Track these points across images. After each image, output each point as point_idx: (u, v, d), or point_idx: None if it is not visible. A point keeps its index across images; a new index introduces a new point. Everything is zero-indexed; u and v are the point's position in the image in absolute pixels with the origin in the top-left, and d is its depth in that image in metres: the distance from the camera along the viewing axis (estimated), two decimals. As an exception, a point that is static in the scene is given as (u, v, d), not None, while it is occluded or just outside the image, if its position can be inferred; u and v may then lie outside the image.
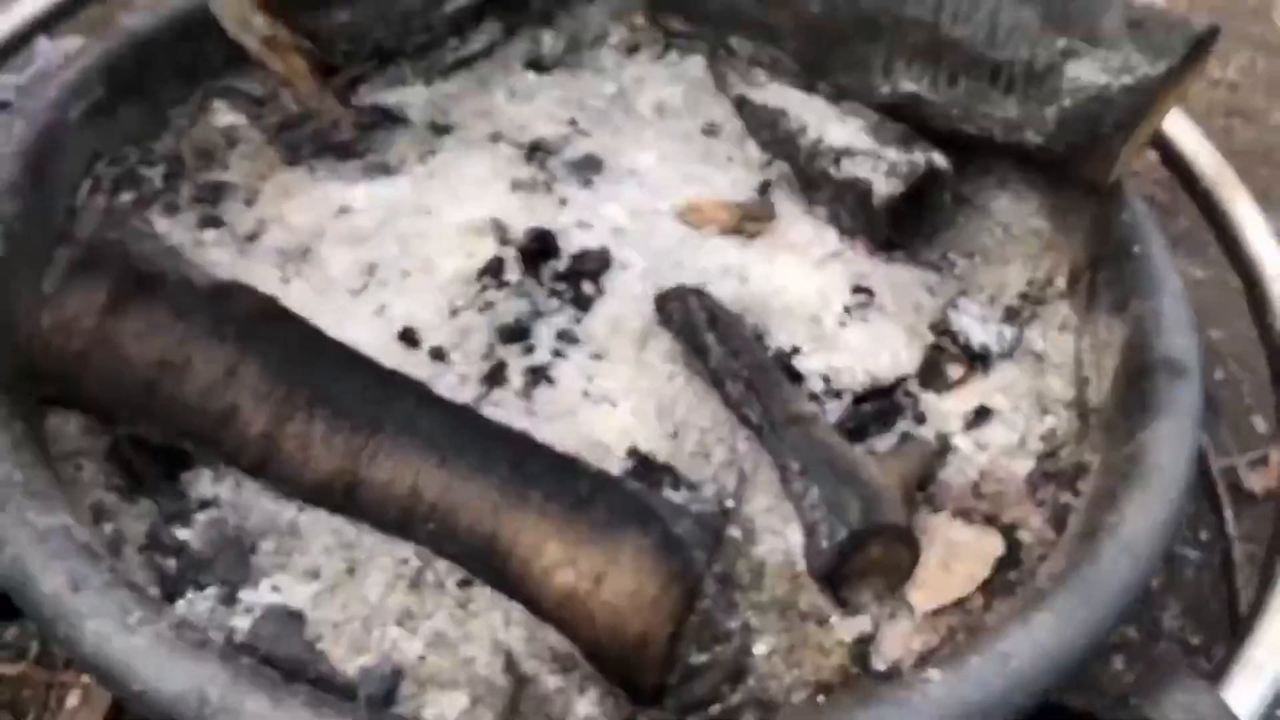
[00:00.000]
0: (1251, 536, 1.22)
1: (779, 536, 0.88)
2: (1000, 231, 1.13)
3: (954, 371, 1.02)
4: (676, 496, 0.87)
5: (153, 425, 0.84)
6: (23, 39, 1.16)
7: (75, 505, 0.81)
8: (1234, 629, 1.12)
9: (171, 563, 0.82)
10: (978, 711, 0.70)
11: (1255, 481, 1.27)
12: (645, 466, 0.89)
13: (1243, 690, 0.75)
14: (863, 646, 0.83)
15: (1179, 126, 1.15)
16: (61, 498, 0.79)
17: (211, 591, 0.81)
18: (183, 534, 0.84)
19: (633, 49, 1.26)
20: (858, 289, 1.04)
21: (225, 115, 1.10)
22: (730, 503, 0.89)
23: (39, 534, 0.74)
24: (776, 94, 1.11)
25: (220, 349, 0.82)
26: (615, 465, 0.88)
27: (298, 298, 0.94)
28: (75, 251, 0.89)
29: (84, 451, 0.87)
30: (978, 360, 1.02)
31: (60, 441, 0.87)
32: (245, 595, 0.81)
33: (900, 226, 1.07)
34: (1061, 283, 1.08)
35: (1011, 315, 1.07)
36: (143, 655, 0.69)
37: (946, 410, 0.99)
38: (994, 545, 0.87)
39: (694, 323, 0.92)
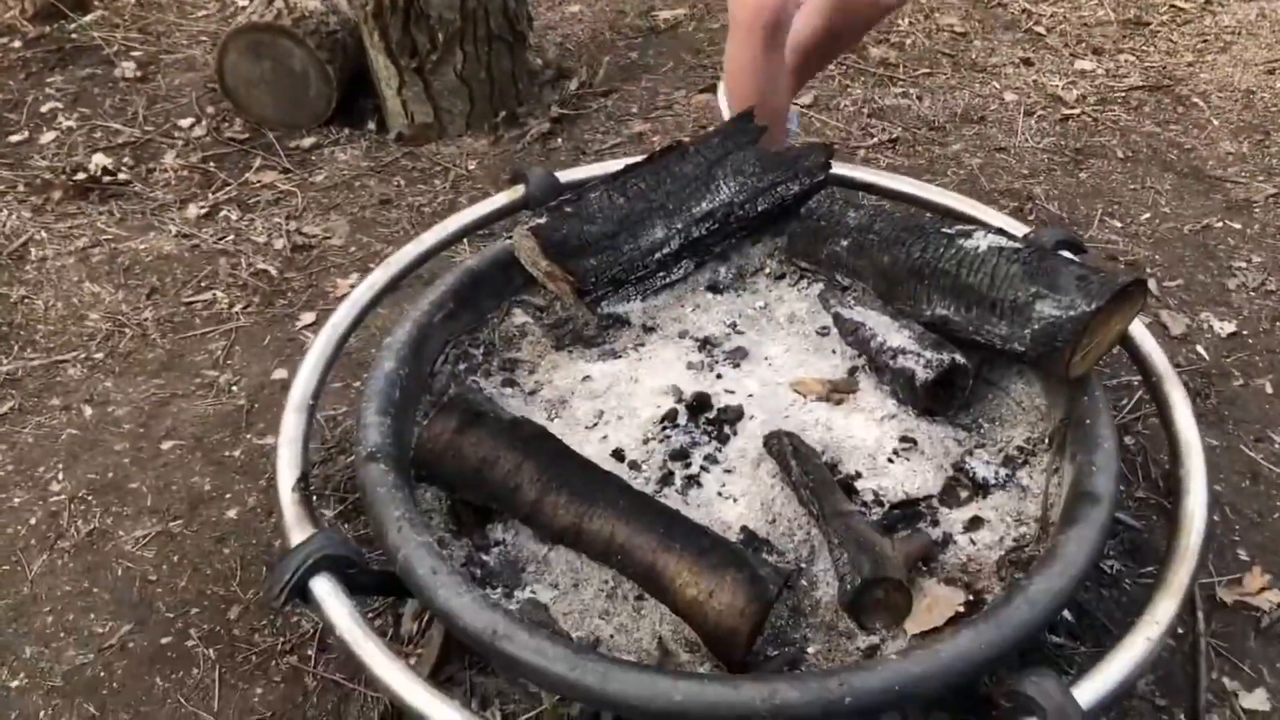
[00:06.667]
0: (1218, 634, 1.68)
1: (830, 585, 1.45)
2: (1014, 404, 1.68)
3: (963, 495, 1.57)
4: (769, 557, 1.47)
5: (474, 494, 1.51)
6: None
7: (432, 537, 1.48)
8: (1194, 697, 1.59)
9: (478, 572, 1.48)
10: (915, 678, 1.24)
11: (1227, 594, 1.72)
12: (751, 538, 1.49)
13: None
14: (873, 652, 1.38)
15: (1145, 338, 1.67)
16: (427, 529, 1.46)
17: (500, 590, 1.46)
18: (485, 558, 1.50)
19: (779, 277, 1.91)
20: (904, 438, 1.62)
21: (520, 317, 1.81)
22: (802, 564, 1.47)
23: (419, 545, 1.40)
24: (859, 312, 1.72)
25: (513, 454, 1.48)
26: (733, 535, 1.49)
27: (557, 428, 1.61)
28: (437, 399, 1.60)
29: (435, 510, 1.56)
30: (981, 489, 1.57)
31: (422, 503, 1.55)
32: (517, 594, 1.45)
33: (937, 398, 1.63)
34: (1046, 441, 1.62)
35: (1010, 461, 1.61)
36: (466, 609, 1.33)
37: (954, 518, 1.53)
38: (959, 598, 1.41)
39: (784, 453, 1.52)
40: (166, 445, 2.03)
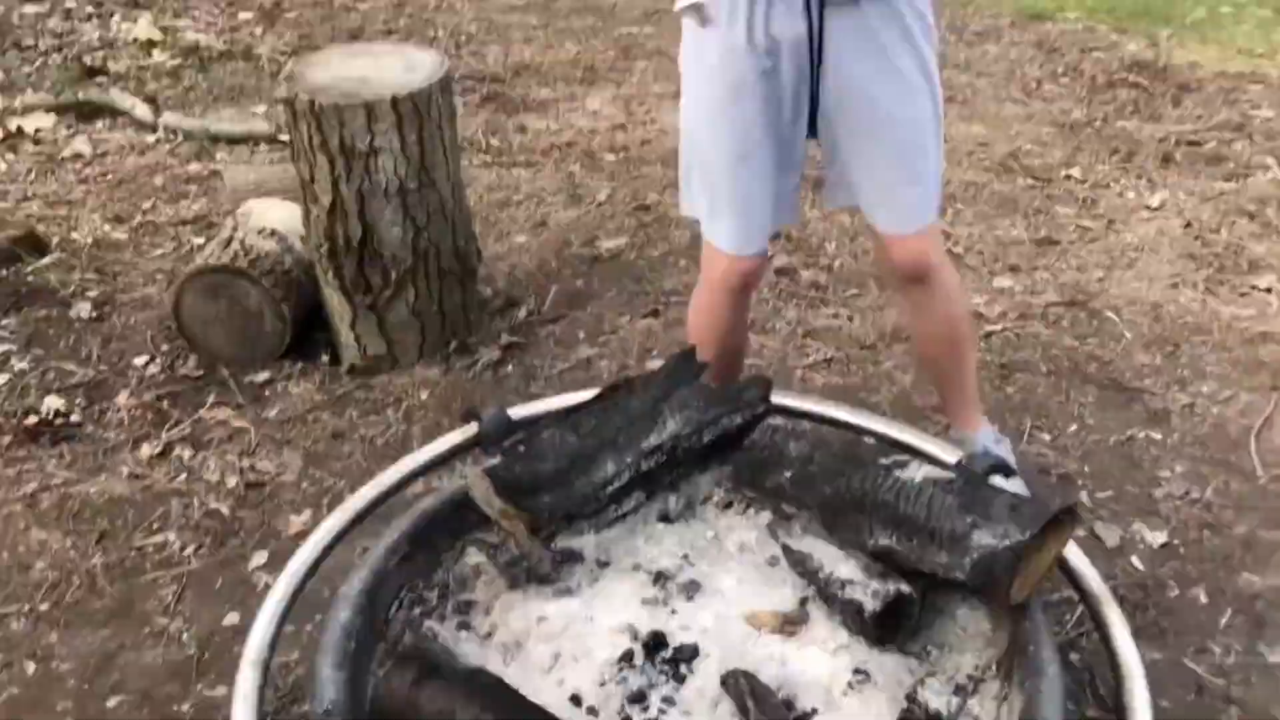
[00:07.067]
0: None
1: (792, 829, 1.44)
2: (961, 631, 1.73)
3: (919, 726, 1.59)
4: (730, 801, 1.46)
5: (432, 749, 1.50)
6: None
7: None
8: None
9: (438, 831, 1.46)
10: None
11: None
12: (711, 781, 1.49)
13: None
14: None
15: (1080, 561, 1.74)
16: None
17: None
18: (444, 815, 1.48)
19: (727, 506, 1.97)
20: (858, 671, 1.64)
21: (475, 557, 1.83)
22: (764, 807, 1.47)
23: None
24: (807, 543, 1.77)
25: (471, 707, 1.48)
26: (693, 780, 1.49)
27: (514, 673, 1.62)
28: (392, 647, 1.62)
29: (392, 764, 1.54)
30: (935, 718, 1.59)
31: (379, 758, 1.54)
32: None
33: (886, 627, 1.67)
34: (994, 668, 1.65)
35: (960, 689, 1.64)
36: None
37: (911, 751, 1.55)
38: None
39: (741, 693, 1.54)
40: (112, 702, 1.99)
